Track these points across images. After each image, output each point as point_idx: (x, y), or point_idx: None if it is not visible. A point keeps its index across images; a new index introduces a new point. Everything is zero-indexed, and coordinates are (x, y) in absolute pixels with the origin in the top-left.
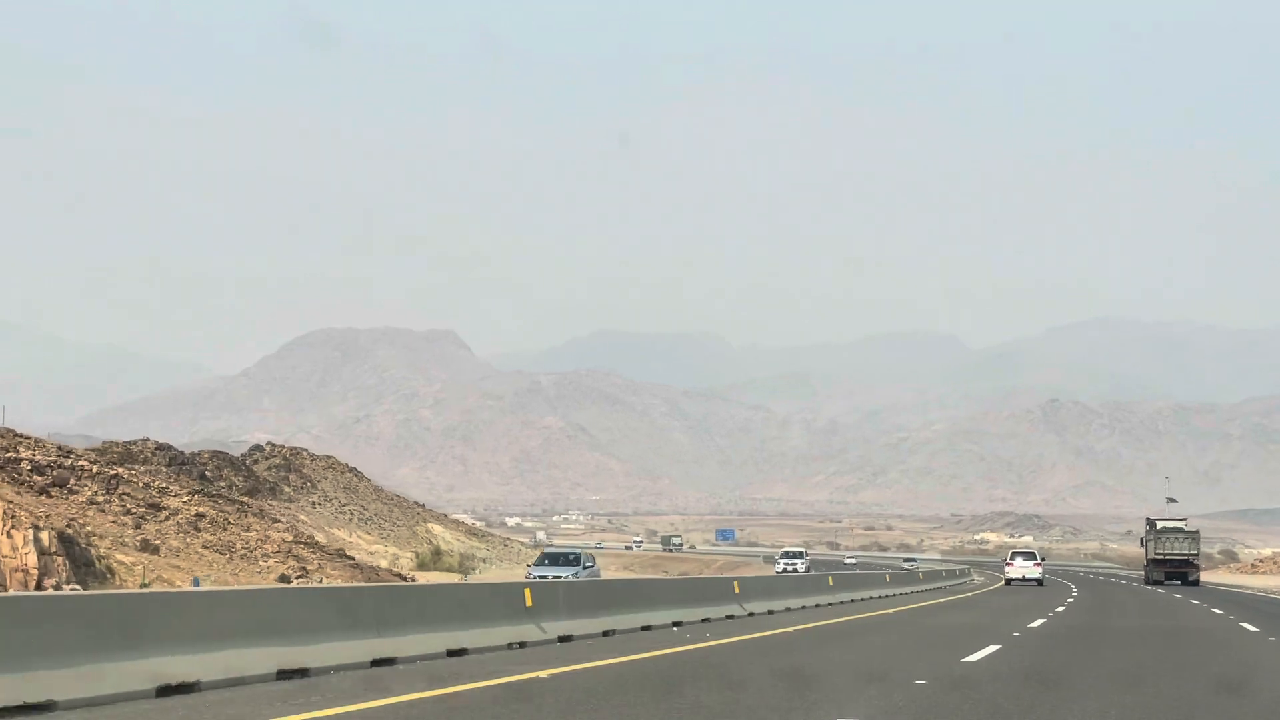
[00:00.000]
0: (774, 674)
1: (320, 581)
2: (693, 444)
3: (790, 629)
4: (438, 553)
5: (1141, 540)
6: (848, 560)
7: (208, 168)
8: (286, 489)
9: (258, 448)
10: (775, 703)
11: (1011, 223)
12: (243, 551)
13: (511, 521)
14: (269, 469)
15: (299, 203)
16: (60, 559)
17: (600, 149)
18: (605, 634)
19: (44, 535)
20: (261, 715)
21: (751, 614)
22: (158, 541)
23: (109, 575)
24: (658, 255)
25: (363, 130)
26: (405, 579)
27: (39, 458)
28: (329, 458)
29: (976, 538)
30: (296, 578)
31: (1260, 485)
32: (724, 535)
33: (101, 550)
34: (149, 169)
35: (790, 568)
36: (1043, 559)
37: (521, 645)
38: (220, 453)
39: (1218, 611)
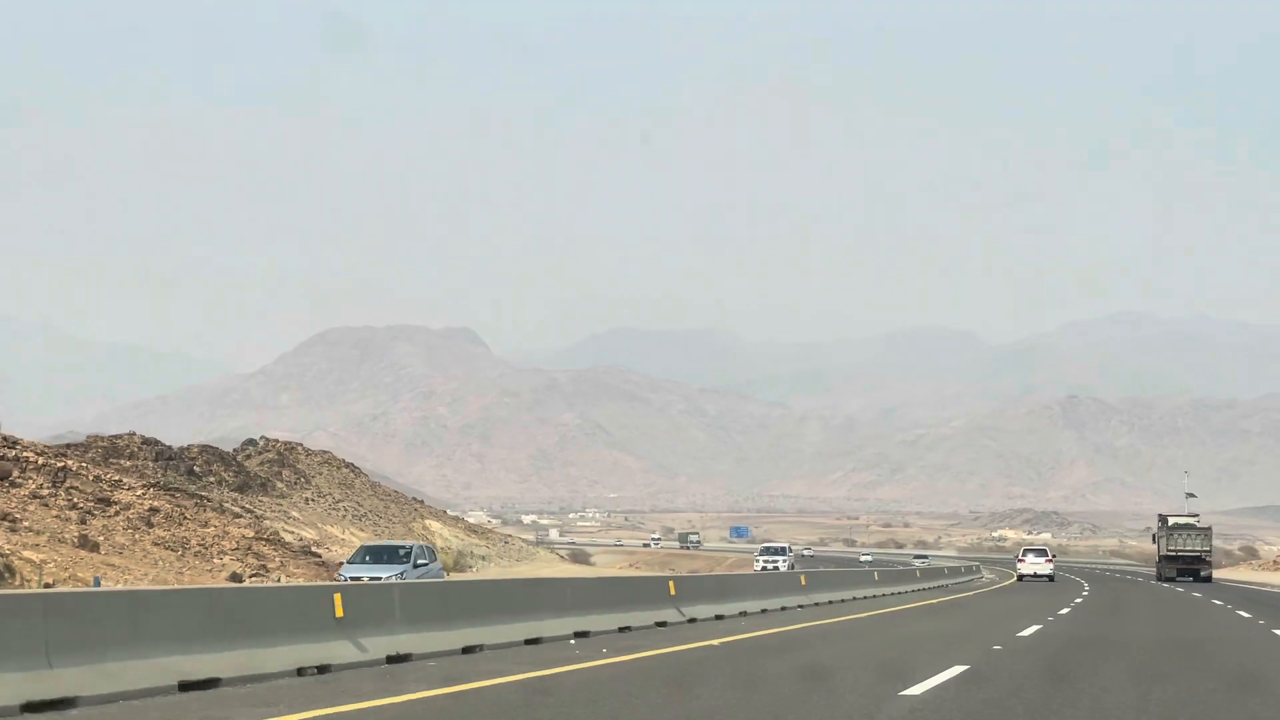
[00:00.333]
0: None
1: (278, 580)
2: (710, 441)
3: (722, 640)
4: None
5: (1153, 536)
6: (863, 557)
7: (227, 165)
8: (279, 484)
9: (250, 442)
10: None
11: (1030, 218)
12: (197, 549)
13: (528, 519)
14: (261, 464)
15: (317, 201)
16: None
17: (618, 147)
18: (467, 650)
19: None
20: None
21: (692, 620)
22: (100, 538)
23: (7, 575)
24: (675, 252)
25: (381, 129)
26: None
27: None
28: (325, 453)
29: (995, 534)
30: (251, 576)
31: (1279, 481)
32: (738, 532)
33: (4, 547)
34: (168, 166)
35: (770, 566)
36: (1054, 555)
37: (322, 670)
38: (210, 447)
39: (1244, 615)
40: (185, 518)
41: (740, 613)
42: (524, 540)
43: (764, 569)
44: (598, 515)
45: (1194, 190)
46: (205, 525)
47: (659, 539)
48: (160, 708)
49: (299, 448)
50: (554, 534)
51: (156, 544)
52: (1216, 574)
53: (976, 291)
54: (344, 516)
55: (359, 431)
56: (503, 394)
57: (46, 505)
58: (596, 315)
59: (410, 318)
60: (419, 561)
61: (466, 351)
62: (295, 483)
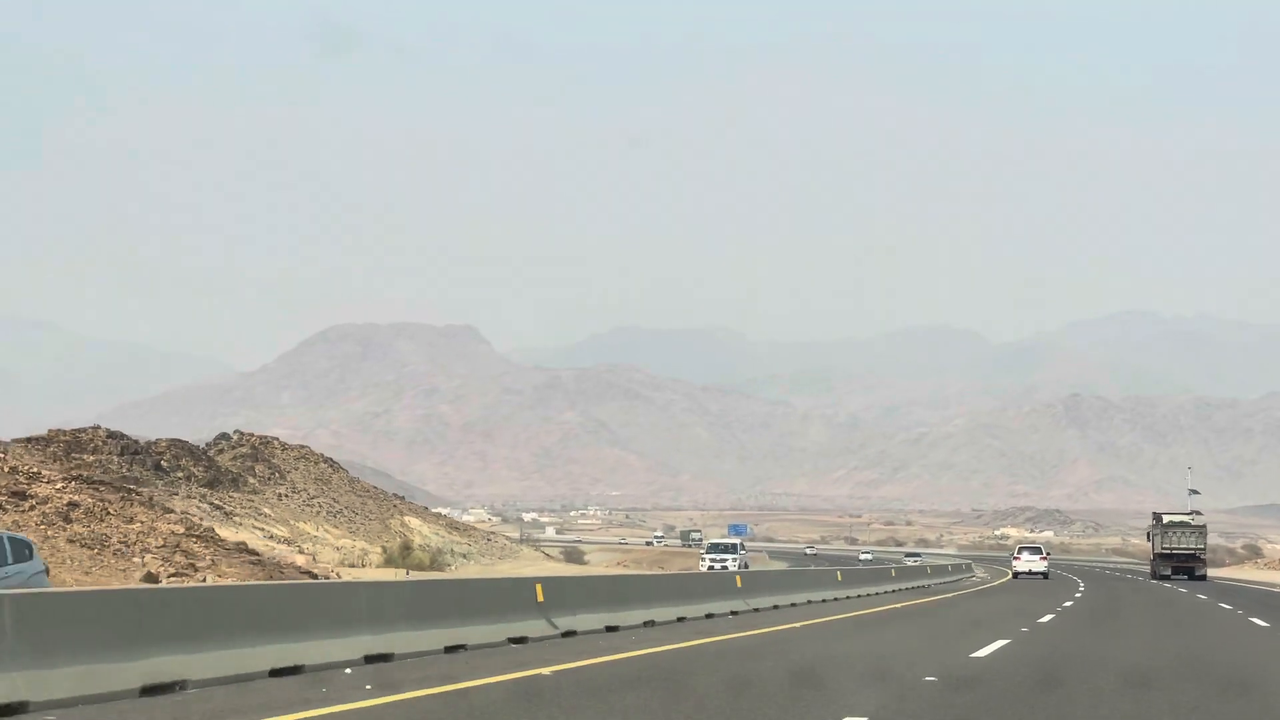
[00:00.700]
0: None
1: (204, 580)
2: (713, 439)
3: (562, 667)
4: (407, 547)
5: (1148, 534)
6: (863, 556)
7: (229, 164)
8: (251, 480)
9: (224, 436)
10: None
11: (1032, 217)
12: (117, 546)
13: (529, 517)
14: (234, 459)
15: (320, 199)
16: None
17: (623, 145)
18: (146, 691)
19: None
20: None
21: (569, 633)
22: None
23: None
24: (678, 250)
25: (383, 127)
26: (317, 577)
27: None
28: (303, 447)
29: (997, 533)
30: (170, 576)
31: None
32: (736, 530)
33: None
34: (170, 165)
35: (718, 565)
36: (1049, 553)
37: None
38: (179, 442)
39: (1260, 623)
40: (109, 513)
41: (646, 622)
42: (508, 538)
43: (710, 568)
44: (599, 513)
45: (1197, 189)
46: (130, 521)
47: (662, 537)
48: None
49: (275, 442)
50: (550, 531)
51: (72, 541)
52: (1220, 573)
53: (979, 290)
54: (318, 513)
55: (361, 429)
56: (505, 392)
57: None
58: (599, 313)
59: (412, 315)
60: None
61: (469, 349)
62: (269, 478)
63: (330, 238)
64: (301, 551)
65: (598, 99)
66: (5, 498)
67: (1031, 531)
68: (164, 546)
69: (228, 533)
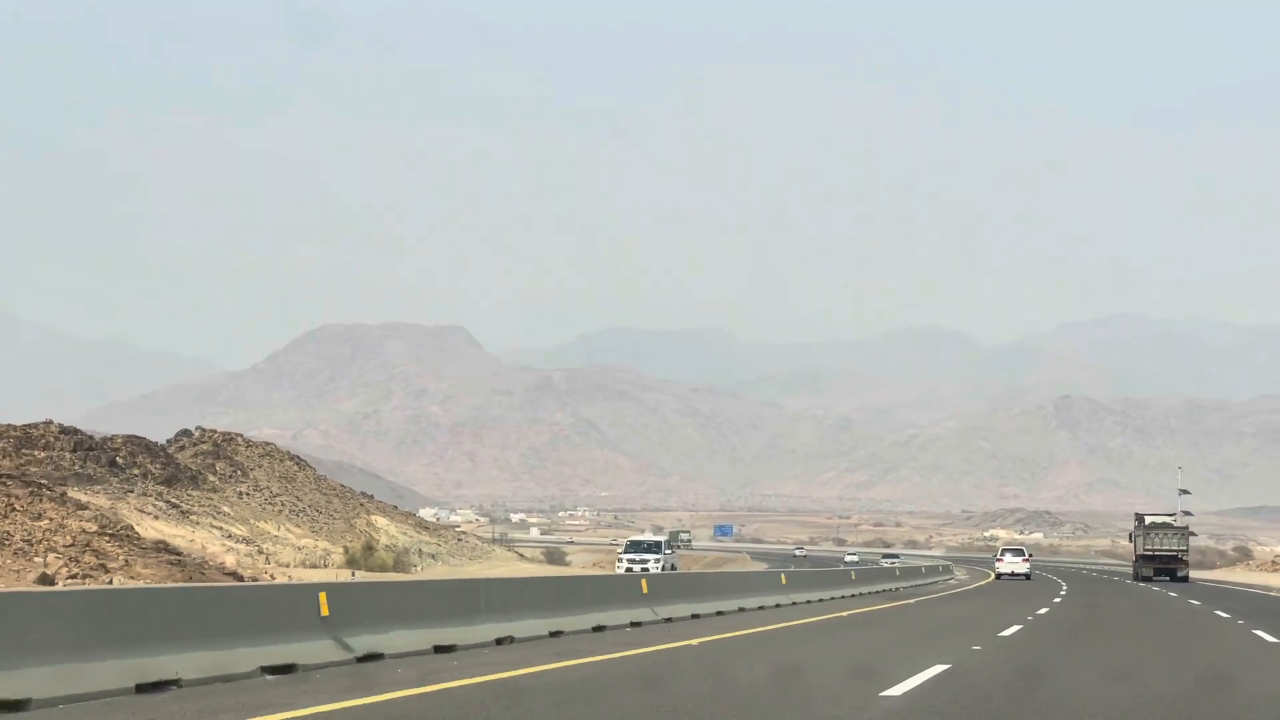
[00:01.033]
0: None
1: (110, 582)
2: (703, 440)
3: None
4: (369, 547)
5: (1130, 535)
6: (848, 558)
7: (217, 163)
8: (211, 478)
9: (185, 433)
10: None
11: (1023, 219)
12: (19, 544)
13: (516, 518)
14: (195, 456)
15: (309, 198)
16: None
17: (614, 144)
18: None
19: None
20: None
21: (368, 658)
22: None
23: None
24: (669, 252)
25: (373, 126)
26: (245, 579)
27: None
28: (268, 445)
29: (986, 534)
30: (70, 578)
31: (1272, 483)
32: (722, 531)
33: None
34: (157, 164)
35: (638, 567)
36: (1031, 555)
37: None
38: (136, 438)
39: (1269, 638)
40: (14, 509)
41: (502, 639)
42: (479, 537)
43: (628, 570)
44: (587, 514)
45: (1187, 191)
46: (37, 518)
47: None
48: None
49: (238, 439)
50: (534, 532)
51: None
52: (1211, 575)
53: (970, 292)
54: (280, 511)
55: (350, 429)
56: (495, 392)
57: None
58: (590, 314)
59: (402, 315)
60: None
61: (459, 349)
62: (230, 476)
63: (320, 237)
64: (263, 549)
65: (588, 99)
66: None
67: (1021, 533)
68: (72, 545)
69: (183, 531)
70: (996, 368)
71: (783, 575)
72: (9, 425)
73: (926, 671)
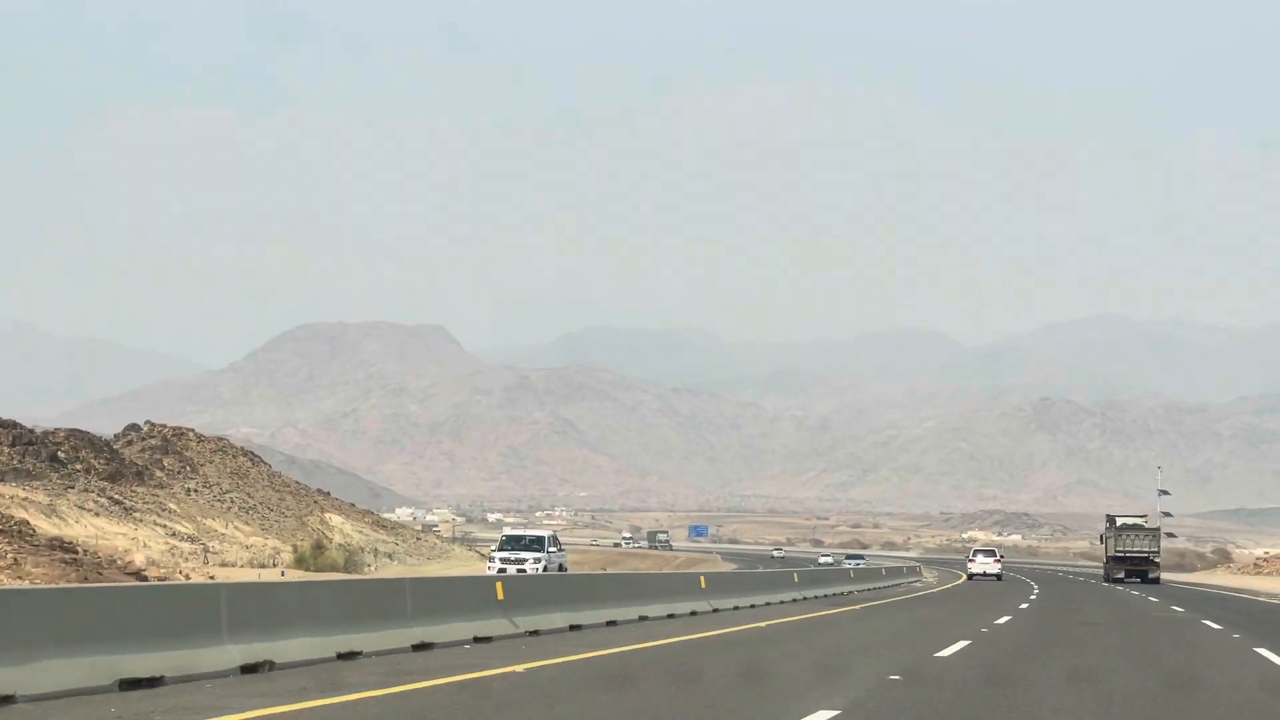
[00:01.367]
0: None
1: None
2: (682, 441)
3: None
4: (320, 546)
5: (1101, 536)
6: (822, 559)
7: (197, 160)
8: (158, 473)
9: (133, 427)
10: None
11: (1004, 221)
12: None
13: (493, 518)
14: (142, 451)
15: (287, 196)
16: None
17: (596, 143)
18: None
19: None
20: None
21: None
22: None
23: None
24: (650, 251)
25: (355, 124)
26: (146, 579)
27: None
28: (221, 439)
29: (964, 536)
30: None
31: (1250, 485)
32: (697, 531)
33: None
34: (136, 161)
35: (513, 567)
36: (1002, 556)
37: None
38: (79, 432)
39: (1276, 660)
40: None
41: (341, 654)
42: (438, 537)
43: (502, 571)
44: (565, 514)
45: (1167, 194)
46: None
47: (630, 538)
48: None
49: (189, 434)
50: (505, 531)
51: None
52: (1192, 579)
53: (951, 293)
54: (229, 509)
55: (329, 428)
56: (474, 392)
57: None
58: (571, 314)
59: (382, 314)
60: None
61: (438, 349)
62: (178, 472)
63: (300, 236)
64: (209, 547)
65: (569, 97)
66: None
67: (1000, 535)
68: None
69: (125, 529)
70: (977, 369)
71: (701, 578)
72: None
73: None
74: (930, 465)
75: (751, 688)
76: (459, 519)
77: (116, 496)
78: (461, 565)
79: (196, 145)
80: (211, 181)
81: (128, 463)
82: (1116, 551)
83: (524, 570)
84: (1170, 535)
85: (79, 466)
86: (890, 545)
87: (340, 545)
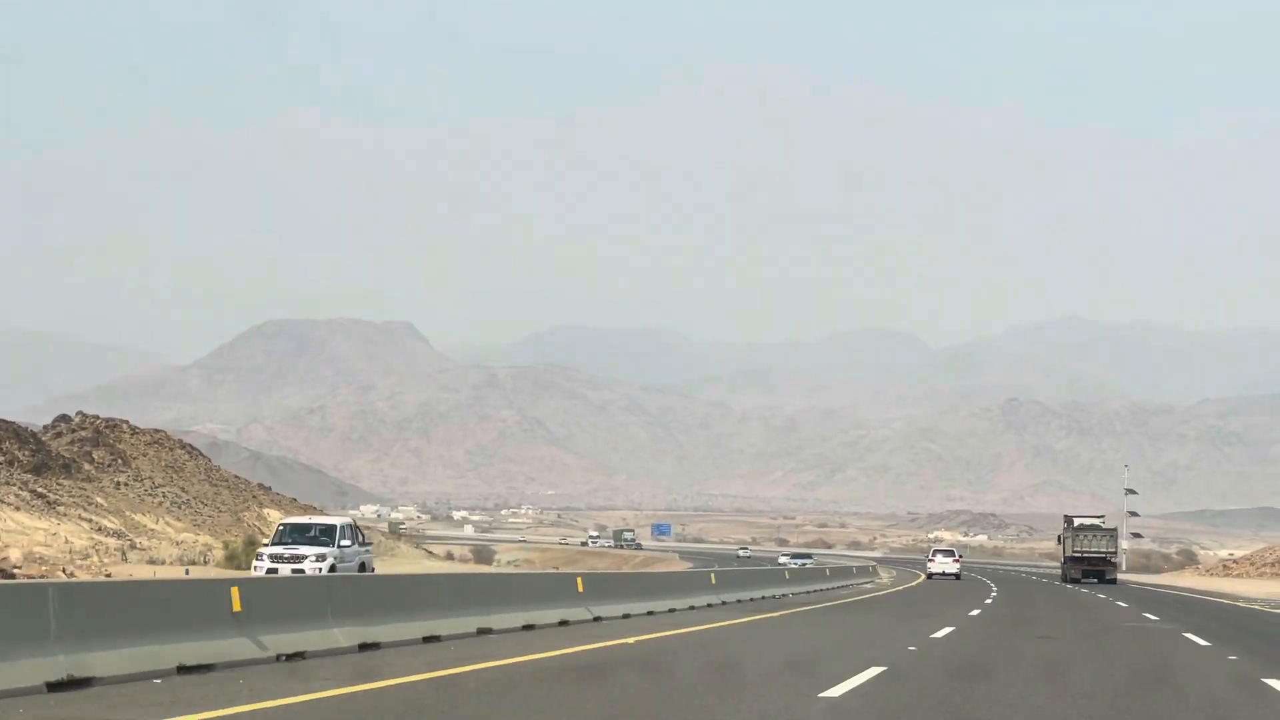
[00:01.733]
0: None
1: None
2: (650, 440)
3: None
4: (252, 542)
5: (1059, 537)
6: (781, 559)
7: (163, 155)
8: (87, 466)
9: (64, 418)
10: None
11: (972, 222)
12: None
13: (458, 515)
14: (71, 443)
15: (254, 190)
16: None
17: (566, 142)
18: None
19: None
20: None
21: None
22: None
23: None
24: (618, 250)
25: (322, 118)
26: (13, 577)
27: None
28: (157, 432)
29: (931, 536)
30: None
31: (1215, 487)
32: (660, 530)
33: None
34: (103, 155)
35: (287, 566)
36: (961, 555)
37: None
38: (4, 421)
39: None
40: None
41: (93, 677)
42: (381, 531)
43: (271, 571)
44: (531, 512)
45: (1135, 196)
46: None
47: (597, 537)
48: None
49: (123, 425)
50: (468, 530)
51: None
52: (1160, 580)
53: (919, 294)
54: (160, 503)
55: (295, 425)
56: (442, 389)
57: None
58: (540, 312)
59: (349, 311)
60: None
61: (406, 346)
62: (109, 465)
63: (267, 232)
64: (136, 543)
65: (539, 96)
66: None
67: (966, 535)
68: None
69: (47, 524)
70: (945, 369)
71: (579, 580)
72: None
73: None
74: (898, 465)
75: None
76: (424, 516)
77: (39, 490)
78: (406, 564)
79: (162, 139)
80: (178, 175)
81: (54, 455)
82: (1074, 552)
83: (301, 571)
84: (1137, 536)
85: (1, 458)
86: (856, 545)
87: (266, 542)
